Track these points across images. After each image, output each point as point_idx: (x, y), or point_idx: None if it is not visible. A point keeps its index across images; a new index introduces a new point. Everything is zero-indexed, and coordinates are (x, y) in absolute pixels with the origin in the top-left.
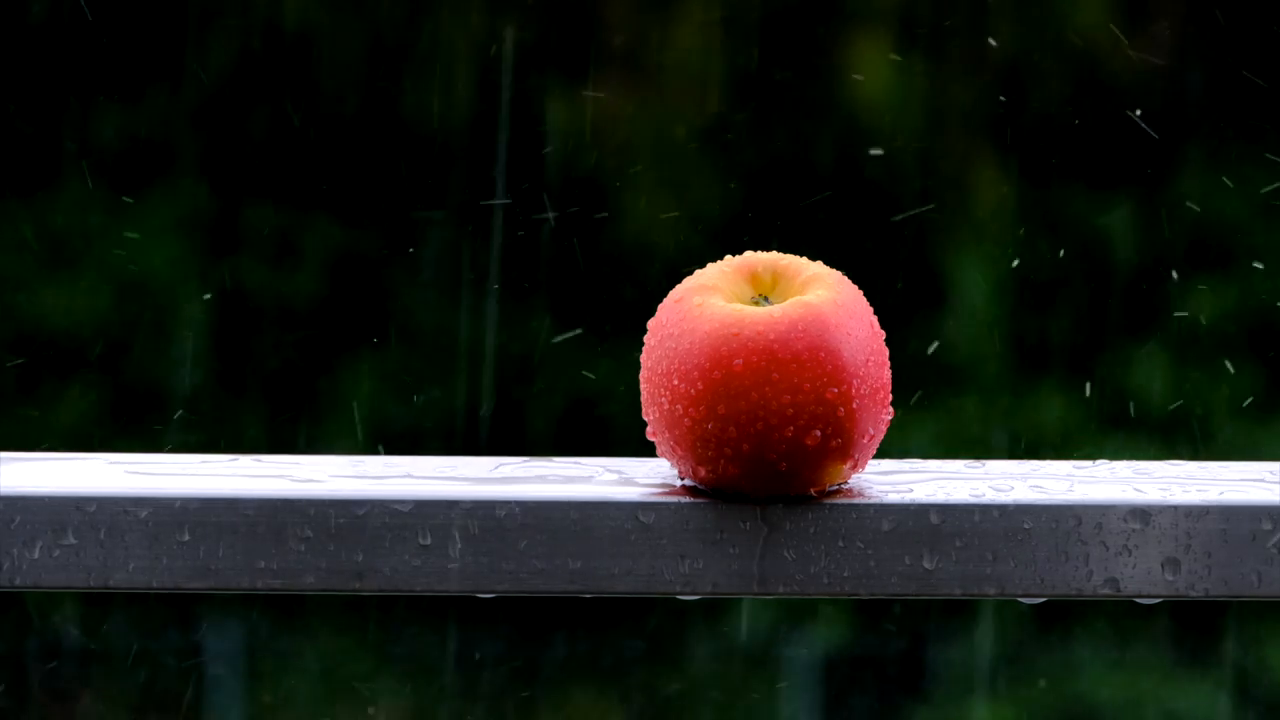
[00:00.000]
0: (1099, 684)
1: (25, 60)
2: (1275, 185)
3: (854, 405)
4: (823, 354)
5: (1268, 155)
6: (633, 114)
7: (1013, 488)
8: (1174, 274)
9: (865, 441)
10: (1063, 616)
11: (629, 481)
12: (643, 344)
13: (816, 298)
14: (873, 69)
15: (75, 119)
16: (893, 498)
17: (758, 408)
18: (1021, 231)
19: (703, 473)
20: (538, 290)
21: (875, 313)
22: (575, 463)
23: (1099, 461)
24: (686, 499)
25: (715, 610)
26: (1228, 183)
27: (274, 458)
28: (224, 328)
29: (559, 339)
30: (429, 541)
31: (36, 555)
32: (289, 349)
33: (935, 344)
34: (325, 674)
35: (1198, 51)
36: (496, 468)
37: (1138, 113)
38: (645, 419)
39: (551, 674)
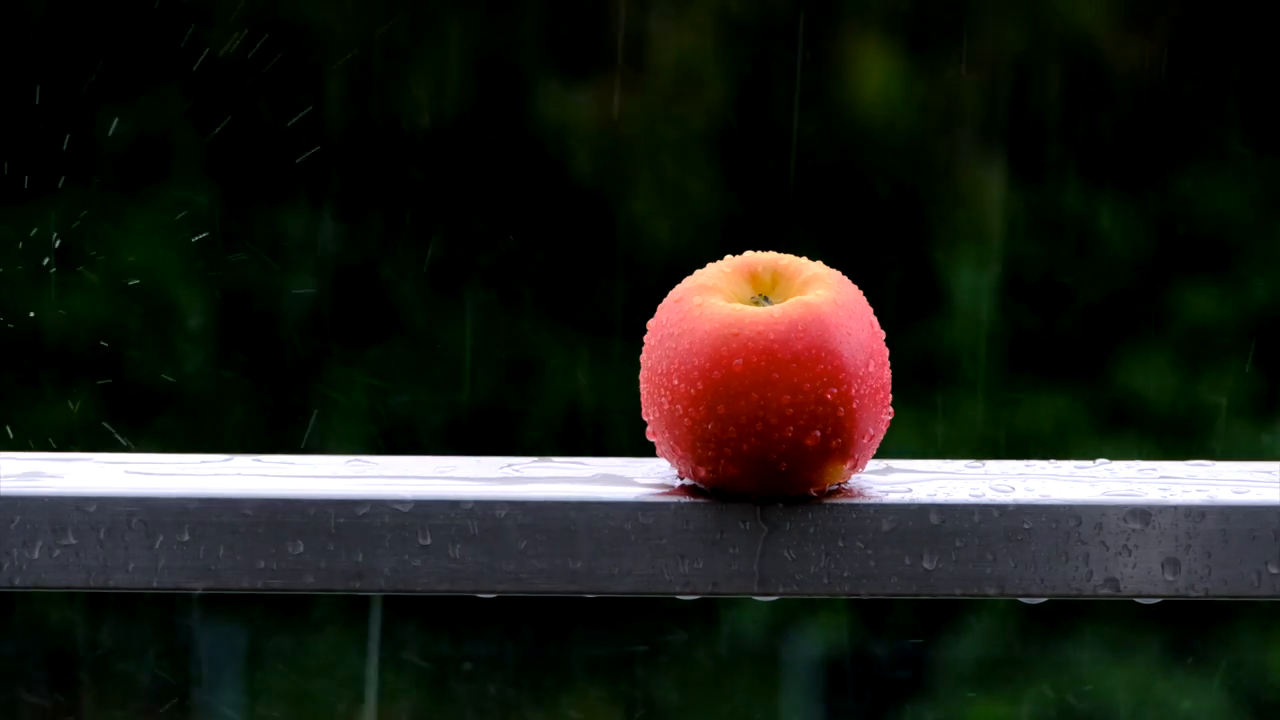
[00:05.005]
0: (1099, 684)
1: (25, 60)
2: (1275, 185)
3: (854, 405)
4: (823, 354)
5: (1268, 155)
6: (633, 114)
7: (1013, 488)
8: (1174, 274)
9: (865, 441)
10: (1063, 616)
11: (629, 481)
12: (643, 344)
13: (816, 298)
14: (872, 69)
15: (75, 118)
16: (893, 498)
17: (758, 408)
18: (1021, 231)
19: (703, 473)
20: (537, 290)
21: (874, 313)
22: (575, 463)
23: (1099, 461)
24: (686, 499)
25: (715, 610)
26: (1228, 182)
27: (273, 458)
28: (224, 327)
29: (558, 339)
30: (429, 541)
31: (36, 555)
32: (289, 349)
33: (934, 344)
34: (325, 673)
35: (1198, 50)
36: (497, 468)
37: (1138, 112)
38: (645, 419)
39: (552, 674)
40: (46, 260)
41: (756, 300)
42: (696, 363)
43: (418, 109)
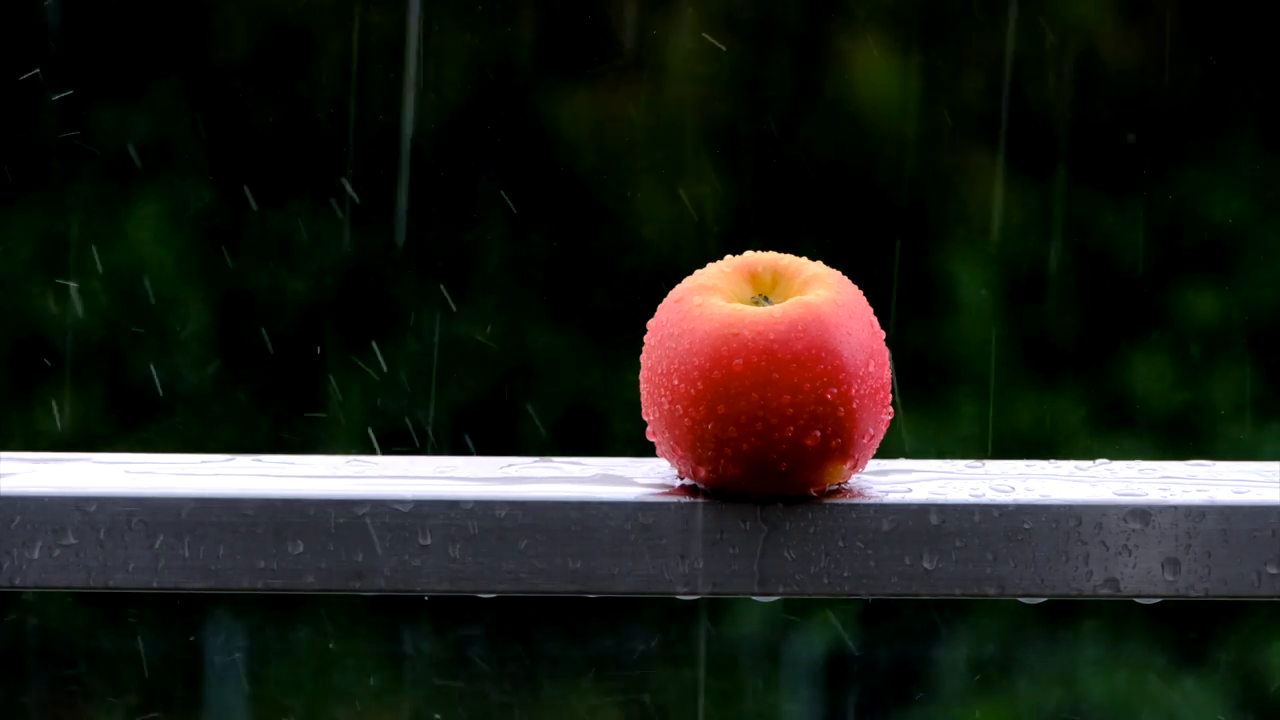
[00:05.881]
0: (1098, 684)
1: (25, 58)
2: (1275, 185)
3: (854, 405)
4: (823, 354)
5: (1268, 155)
6: (633, 114)
7: (1013, 488)
8: (1174, 274)
9: (865, 441)
10: (1063, 616)
11: (629, 481)
12: (643, 344)
13: (816, 298)
14: (873, 68)
15: (75, 117)
16: (893, 498)
17: (758, 408)
18: (1021, 231)
19: (703, 473)
20: (537, 290)
21: (875, 313)
22: (575, 463)
23: (1099, 461)
24: (686, 499)
25: (715, 610)
26: (1228, 182)
27: (273, 458)
28: (224, 327)
29: (558, 339)
30: (429, 541)
31: (36, 555)
32: (289, 348)
33: (934, 344)
34: (325, 674)
35: (1198, 50)
36: (497, 468)
37: (1138, 111)
38: (645, 419)
39: (552, 674)
40: (46, 260)
41: (756, 300)
42: (696, 363)
43: (418, 108)
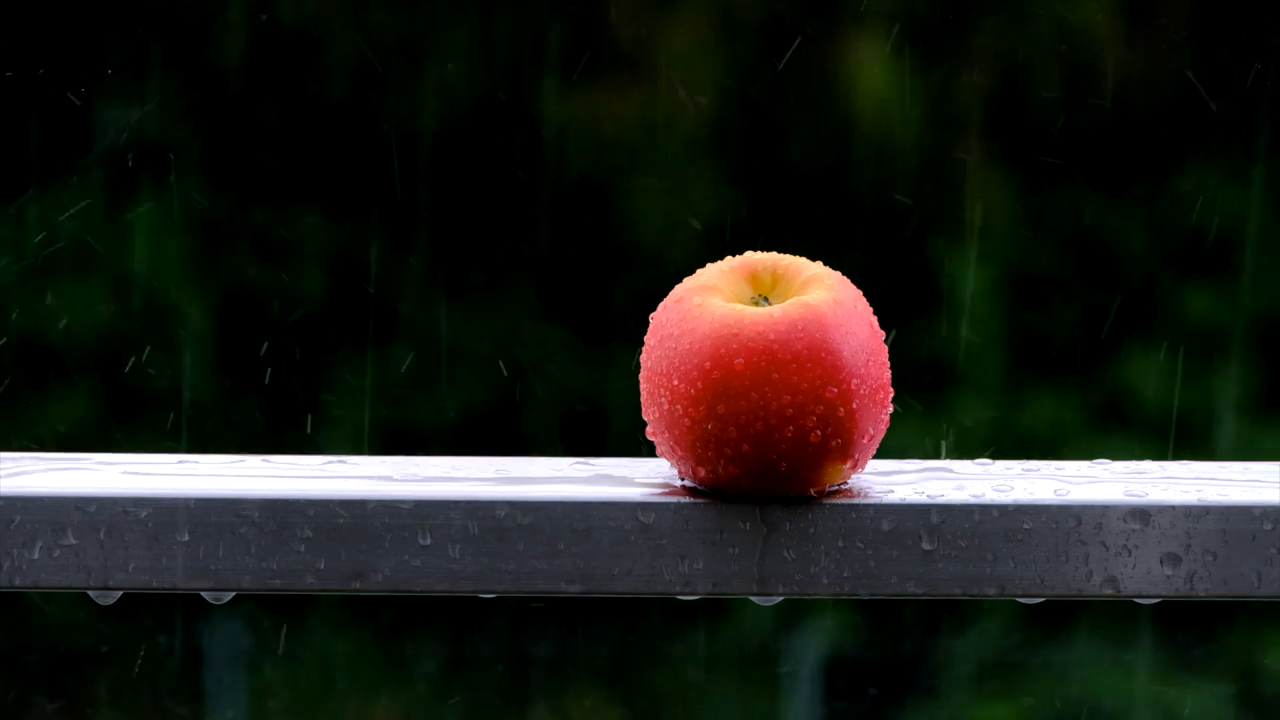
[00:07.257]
0: (1098, 684)
1: (25, 59)
2: (1276, 185)
3: (854, 405)
4: (823, 354)
5: (1269, 155)
6: (633, 114)
7: (1013, 488)
8: (1174, 274)
9: (865, 441)
10: (1062, 616)
11: (629, 481)
12: (643, 344)
13: (816, 298)
14: (873, 67)
15: (75, 118)
16: (893, 498)
17: (757, 408)
18: (1021, 231)
19: (703, 473)
20: (537, 290)
21: (875, 313)
22: (575, 463)
23: (1099, 461)
24: (686, 499)
25: (715, 610)
26: (1229, 182)
27: (273, 458)
28: (224, 327)
29: (558, 339)
30: (429, 541)
31: (36, 555)
32: (289, 349)
33: (933, 344)
34: (324, 674)
35: (1199, 50)
36: (496, 468)
37: (1138, 111)
38: (645, 419)
39: (551, 674)
40: (46, 260)
41: (756, 300)
42: (696, 363)
43: (418, 108)
